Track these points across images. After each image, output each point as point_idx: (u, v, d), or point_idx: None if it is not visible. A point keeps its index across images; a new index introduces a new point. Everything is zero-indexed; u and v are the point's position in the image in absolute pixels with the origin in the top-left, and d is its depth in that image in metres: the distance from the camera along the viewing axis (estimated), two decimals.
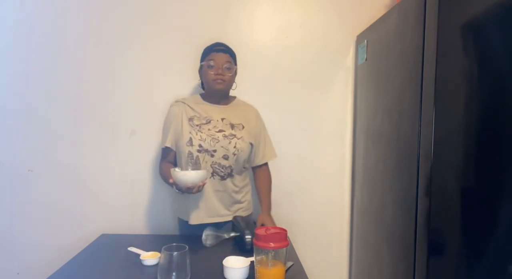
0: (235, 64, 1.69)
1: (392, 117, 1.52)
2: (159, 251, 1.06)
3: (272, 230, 1.16)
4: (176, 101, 1.73)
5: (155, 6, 1.99)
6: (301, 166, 2.08)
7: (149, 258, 1.38)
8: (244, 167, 1.70)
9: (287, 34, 2.03)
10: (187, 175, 1.39)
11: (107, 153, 2.03)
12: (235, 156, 1.62)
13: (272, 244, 1.11)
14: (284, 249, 1.14)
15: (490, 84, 1.18)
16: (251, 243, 1.37)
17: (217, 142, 1.60)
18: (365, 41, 1.85)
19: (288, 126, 2.06)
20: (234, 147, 1.62)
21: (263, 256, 1.13)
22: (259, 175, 1.80)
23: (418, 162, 1.27)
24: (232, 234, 1.54)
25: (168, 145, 1.66)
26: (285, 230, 1.17)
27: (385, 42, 1.61)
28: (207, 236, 1.55)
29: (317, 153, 2.08)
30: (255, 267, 1.16)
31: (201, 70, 1.69)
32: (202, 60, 1.68)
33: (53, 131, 2.02)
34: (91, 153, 2.03)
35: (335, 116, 2.07)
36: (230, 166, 1.63)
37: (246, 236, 1.46)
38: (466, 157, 1.19)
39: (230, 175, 1.64)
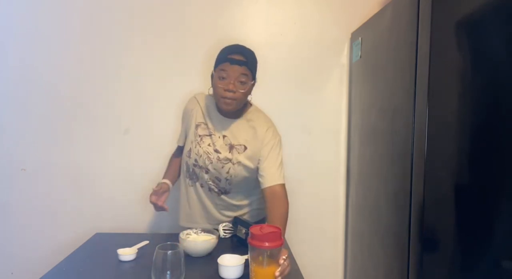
0: (254, 77, 1.45)
1: (386, 114, 1.53)
2: (153, 250, 1.05)
3: (267, 229, 1.15)
4: (195, 97, 1.61)
5: (151, 4, 1.97)
6: (296, 164, 2.08)
7: (126, 254, 1.39)
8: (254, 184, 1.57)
9: (282, 32, 2.03)
10: (197, 245, 1.39)
11: (102, 151, 2.02)
12: (228, 181, 1.54)
13: (267, 244, 1.10)
14: (279, 248, 1.14)
15: (483, 81, 1.18)
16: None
17: (210, 163, 1.52)
18: (360, 38, 1.84)
19: (283, 124, 2.04)
20: (227, 172, 1.52)
21: (258, 255, 1.13)
22: (268, 198, 1.45)
23: (412, 159, 1.27)
24: (244, 231, 1.50)
25: (180, 144, 1.67)
26: (280, 229, 1.16)
27: (379, 39, 1.61)
28: (224, 227, 1.58)
29: (312, 150, 2.08)
30: (250, 266, 1.16)
31: (212, 78, 1.48)
32: (215, 66, 1.45)
33: (46, 129, 2.00)
34: (85, 152, 2.02)
35: (330, 114, 2.07)
36: (224, 187, 1.55)
37: None
38: (459, 153, 1.19)
39: (226, 192, 1.57)
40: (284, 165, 2.03)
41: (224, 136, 1.52)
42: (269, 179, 1.46)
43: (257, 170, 1.51)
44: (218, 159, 1.51)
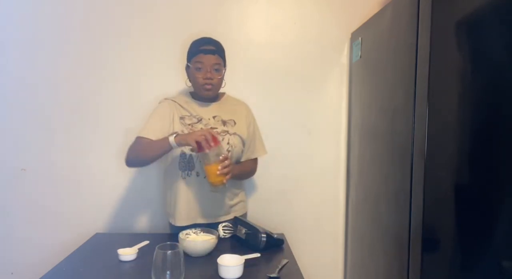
0: (225, 63, 1.63)
1: (386, 114, 1.53)
2: (153, 250, 1.05)
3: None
4: (166, 99, 1.69)
5: (151, 4, 1.97)
6: (296, 163, 2.08)
7: (126, 254, 1.39)
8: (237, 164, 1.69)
9: (282, 31, 2.03)
10: (197, 244, 1.40)
11: (101, 151, 2.02)
12: (229, 153, 1.60)
13: (213, 145, 1.40)
14: (216, 148, 1.42)
15: (483, 81, 1.18)
16: (265, 242, 1.47)
17: None
18: (360, 38, 1.84)
19: (283, 124, 2.06)
20: (228, 143, 1.60)
21: (207, 158, 1.41)
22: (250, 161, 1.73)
23: (412, 159, 1.27)
24: (244, 231, 1.54)
25: (150, 136, 1.53)
26: (219, 142, 1.45)
27: (379, 39, 1.61)
28: (223, 227, 1.60)
29: (312, 150, 2.08)
30: (204, 168, 1.45)
31: (188, 69, 1.63)
32: (189, 58, 1.62)
33: (46, 129, 2.00)
34: (85, 152, 2.01)
35: (330, 114, 2.07)
36: None
37: (262, 235, 1.47)
38: (459, 153, 1.19)
39: None
40: (284, 165, 2.06)
41: (214, 116, 1.65)
42: (258, 150, 1.75)
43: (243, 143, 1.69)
44: (217, 133, 1.58)
